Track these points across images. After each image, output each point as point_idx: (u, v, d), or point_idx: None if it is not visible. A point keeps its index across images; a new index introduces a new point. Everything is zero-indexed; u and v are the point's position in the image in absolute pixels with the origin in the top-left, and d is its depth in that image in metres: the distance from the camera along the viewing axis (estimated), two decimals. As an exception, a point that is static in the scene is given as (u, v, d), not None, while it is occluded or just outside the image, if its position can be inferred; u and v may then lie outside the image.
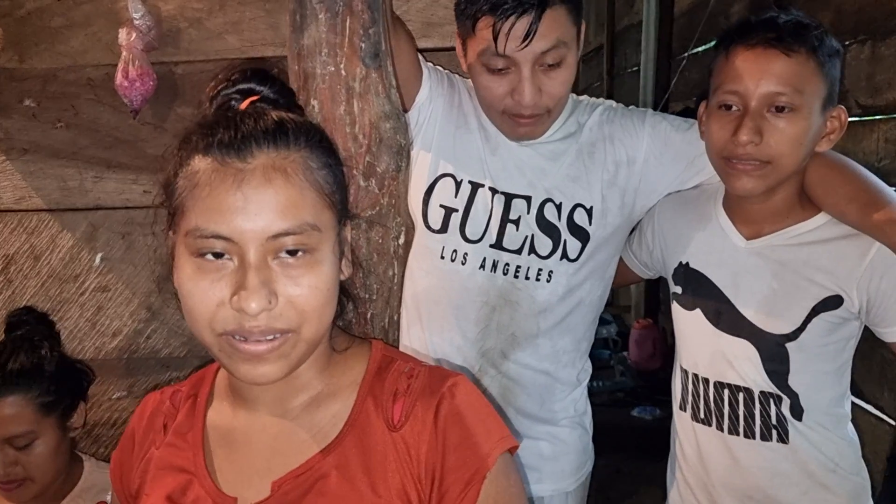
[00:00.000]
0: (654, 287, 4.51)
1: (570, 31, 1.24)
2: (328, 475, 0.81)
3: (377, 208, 0.99)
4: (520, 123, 1.29)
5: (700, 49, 3.95)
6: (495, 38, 1.18)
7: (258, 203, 0.75)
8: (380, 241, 1.00)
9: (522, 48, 1.18)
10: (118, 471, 0.94)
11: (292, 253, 0.77)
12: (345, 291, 0.91)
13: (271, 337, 0.77)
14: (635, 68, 5.02)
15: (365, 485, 0.80)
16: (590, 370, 1.53)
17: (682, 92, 4.20)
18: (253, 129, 0.77)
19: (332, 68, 0.95)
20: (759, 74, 1.17)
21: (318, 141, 0.82)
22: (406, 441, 0.82)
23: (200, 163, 0.77)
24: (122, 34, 1.58)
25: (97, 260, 1.77)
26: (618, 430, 3.69)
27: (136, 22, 1.58)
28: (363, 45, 0.95)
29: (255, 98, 0.84)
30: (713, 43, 1.40)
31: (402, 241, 1.01)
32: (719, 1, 3.73)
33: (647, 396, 4.02)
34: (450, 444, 0.81)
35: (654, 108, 4.33)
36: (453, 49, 1.65)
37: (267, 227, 0.75)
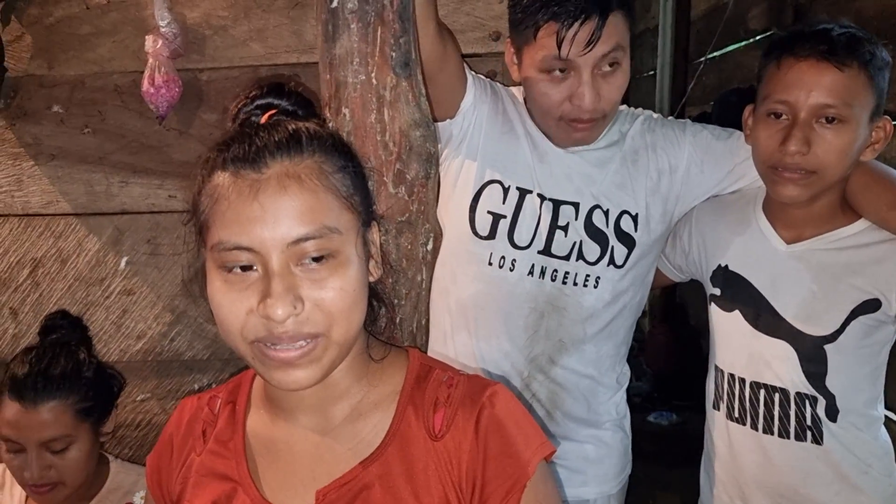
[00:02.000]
0: (672, 291, 4.50)
1: (626, 37, 1.28)
2: (372, 485, 0.82)
3: (406, 215, 1.00)
4: (577, 128, 1.30)
5: (717, 54, 3.95)
6: (559, 44, 1.20)
7: (275, 211, 0.76)
8: (409, 246, 1.02)
9: (585, 53, 1.21)
10: (156, 475, 0.95)
11: (316, 259, 0.78)
12: (376, 296, 0.92)
13: (302, 343, 0.78)
14: (651, 72, 5.01)
15: (408, 493, 0.82)
16: (628, 373, 1.55)
17: (698, 97, 4.19)
18: (266, 141, 0.79)
19: (364, 77, 0.96)
20: (810, 86, 1.18)
21: (332, 145, 0.83)
22: (448, 450, 0.83)
23: (219, 178, 0.79)
24: (149, 41, 1.61)
25: (122, 264, 1.80)
26: (634, 436, 3.67)
27: (163, 29, 1.61)
28: (394, 55, 0.97)
29: (273, 112, 0.86)
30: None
31: (430, 246, 1.03)
32: (737, 5, 3.72)
33: (664, 401, 4.00)
34: (491, 453, 0.82)
35: (671, 113, 4.34)
36: (475, 55, 1.68)
37: (286, 234, 0.76)
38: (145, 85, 1.62)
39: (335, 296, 0.78)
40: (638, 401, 4.11)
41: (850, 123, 1.19)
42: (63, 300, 1.80)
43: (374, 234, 0.89)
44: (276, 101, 0.88)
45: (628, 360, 4.67)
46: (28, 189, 1.78)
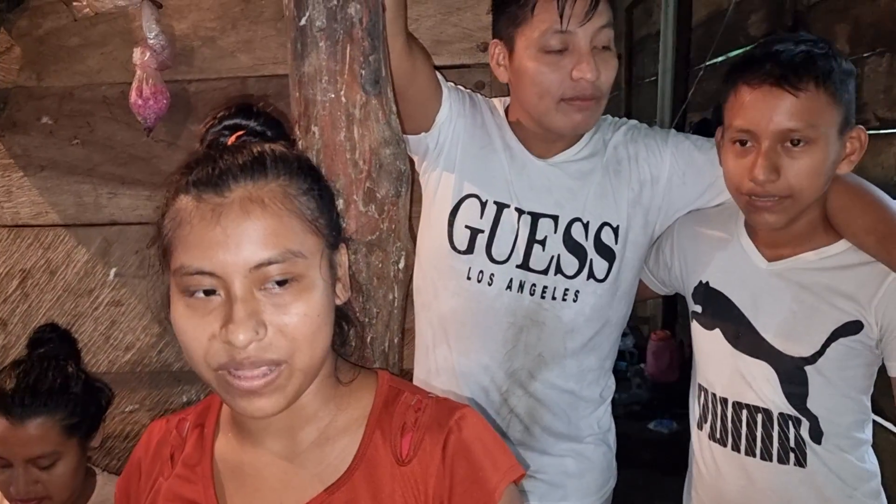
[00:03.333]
0: (672, 299, 4.48)
1: (613, 19, 1.29)
2: None
3: (377, 233, 0.99)
4: (578, 108, 1.28)
5: (718, 60, 3.93)
6: (561, 14, 1.21)
7: (237, 235, 0.75)
8: (380, 265, 1.01)
9: (585, 23, 1.22)
10: (125, 500, 0.94)
11: (280, 283, 0.77)
12: (345, 317, 0.91)
13: (264, 369, 0.77)
14: (653, 78, 5.00)
15: None
16: (613, 387, 1.53)
17: (699, 102, 4.18)
18: (230, 164, 0.78)
19: (333, 95, 0.95)
20: (769, 114, 1.16)
21: (298, 168, 0.82)
22: (414, 475, 0.82)
23: (182, 201, 0.78)
24: (137, 53, 1.61)
25: (111, 275, 1.80)
26: (634, 444, 3.66)
27: (150, 41, 1.61)
28: (363, 73, 0.96)
29: (241, 133, 0.85)
30: (731, 54, 1.40)
31: (402, 265, 1.02)
32: (737, 11, 3.71)
33: (664, 409, 3.98)
34: (457, 479, 0.81)
35: (672, 119, 4.33)
36: (463, 66, 1.68)
37: (249, 259, 0.75)
38: (133, 96, 1.62)
39: (299, 321, 0.77)
40: (638, 409, 4.10)
41: (817, 143, 1.15)
42: (52, 311, 1.81)
43: (342, 257, 0.88)
44: (243, 122, 0.87)
45: (629, 369, 4.63)
46: (17, 200, 1.78)
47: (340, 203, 0.96)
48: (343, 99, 0.96)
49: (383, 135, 0.99)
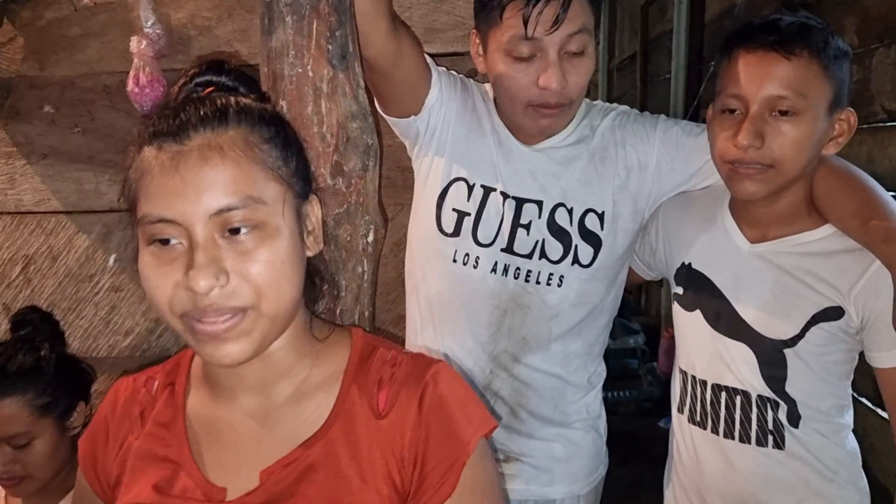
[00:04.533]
0: (683, 296, 4.45)
1: (591, 20, 1.26)
2: (316, 464, 0.82)
3: (345, 206, 1.01)
4: (544, 114, 1.29)
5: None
6: (525, 22, 1.20)
7: (196, 183, 0.75)
8: (348, 238, 1.02)
9: (551, 32, 1.21)
10: (90, 460, 0.94)
11: (241, 230, 0.77)
12: (318, 273, 0.91)
13: (228, 316, 0.77)
14: (668, 76, 4.97)
15: (353, 471, 0.82)
16: (603, 374, 1.53)
17: (711, 99, 4.14)
18: (191, 114, 0.79)
19: (300, 69, 0.97)
20: (760, 78, 1.15)
21: (260, 117, 0.82)
22: (391, 428, 0.83)
23: (145, 152, 0.79)
24: (134, 42, 1.65)
25: (111, 261, 1.84)
26: (644, 440, 3.64)
27: (147, 30, 1.64)
28: (330, 48, 0.97)
29: (212, 88, 0.86)
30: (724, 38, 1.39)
31: (371, 238, 1.03)
32: (749, 7, 3.68)
33: (675, 406, 3.95)
34: (433, 431, 0.82)
35: (685, 115, 4.30)
36: (455, 54, 1.69)
37: (208, 205, 0.75)
38: (130, 84, 1.65)
39: (262, 268, 0.77)
40: (649, 406, 4.07)
41: (805, 115, 1.15)
42: (54, 296, 1.85)
43: (314, 208, 0.88)
44: (214, 79, 0.87)
45: (640, 366, 4.60)
46: (20, 187, 1.82)
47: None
48: (310, 73, 0.97)
49: (350, 109, 1.00)
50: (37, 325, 1.52)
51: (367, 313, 1.04)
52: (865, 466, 1.31)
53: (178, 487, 0.84)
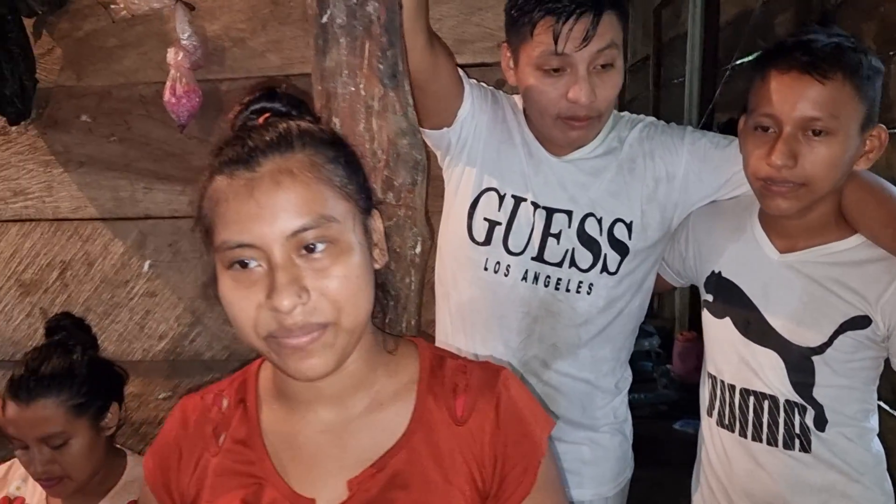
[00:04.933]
0: (699, 300, 4.47)
1: (620, 36, 1.30)
2: (402, 471, 0.85)
3: (394, 219, 1.04)
4: (574, 127, 1.32)
5: (745, 60, 3.93)
6: (556, 39, 1.23)
7: (271, 206, 0.78)
8: (397, 250, 1.06)
9: (581, 48, 1.24)
10: (162, 477, 0.95)
11: (317, 248, 0.80)
12: (383, 286, 0.94)
13: (314, 334, 0.80)
14: (681, 79, 4.98)
15: (437, 475, 0.85)
16: (630, 378, 1.56)
17: (726, 103, 4.16)
18: (258, 141, 0.82)
19: (353, 88, 1.01)
20: (794, 99, 1.17)
21: (322, 139, 0.86)
22: (471, 432, 0.87)
23: (217, 182, 0.82)
24: (171, 54, 1.69)
25: (146, 266, 1.88)
26: (659, 443, 3.65)
27: (184, 42, 1.68)
28: (381, 67, 1.01)
29: (267, 115, 0.89)
30: (757, 55, 1.41)
31: (418, 250, 1.07)
32: (764, 11, 3.70)
33: (690, 409, 3.97)
34: (511, 434, 0.87)
35: (699, 119, 4.32)
36: (484, 65, 1.72)
37: (284, 227, 0.78)
38: (167, 95, 1.70)
39: (340, 283, 0.80)
40: (664, 409, 4.09)
41: (837, 135, 1.17)
42: (90, 301, 1.89)
43: (376, 222, 0.91)
44: (268, 105, 0.90)
45: (655, 369, 4.61)
46: (58, 195, 1.87)
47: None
48: (362, 92, 1.01)
49: (400, 126, 1.03)
50: (70, 330, 1.57)
51: (413, 322, 1.08)
52: (889, 470, 1.34)
53: (266, 501, 0.86)
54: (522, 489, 0.86)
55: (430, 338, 1.72)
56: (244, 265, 0.80)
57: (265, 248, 0.79)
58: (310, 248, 0.80)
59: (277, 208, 0.79)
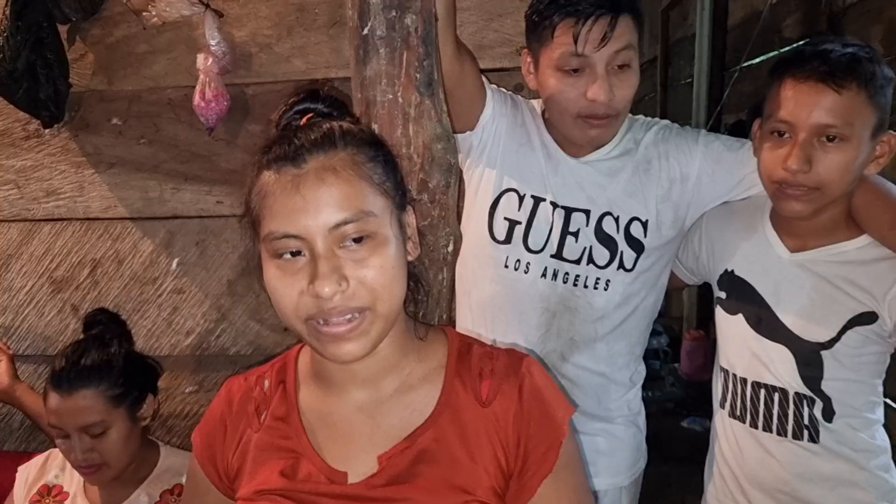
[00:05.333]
0: (707, 298, 4.51)
1: (636, 38, 1.36)
2: (429, 447, 0.92)
3: (429, 219, 1.10)
4: (593, 125, 1.38)
5: (753, 62, 3.97)
6: (575, 40, 1.30)
7: (315, 201, 0.85)
8: (430, 248, 1.12)
9: (600, 48, 1.30)
10: (208, 451, 1.03)
11: (356, 240, 0.87)
12: (415, 277, 1.01)
13: (349, 316, 0.87)
14: (689, 80, 5.03)
15: (463, 454, 0.91)
16: (643, 373, 1.62)
17: (734, 104, 4.21)
18: (303, 140, 0.89)
19: (391, 96, 1.07)
20: (810, 107, 1.23)
21: (363, 139, 0.92)
22: (496, 414, 0.93)
23: (265, 177, 0.89)
24: (200, 59, 1.74)
25: (174, 264, 1.93)
26: (667, 440, 3.70)
27: (213, 48, 1.74)
28: (418, 76, 1.07)
29: (310, 115, 0.95)
30: (765, 56, 1.46)
31: (450, 248, 1.12)
32: (772, 14, 3.75)
33: (698, 407, 4.02)
34: (534, 417, 0.93)
35: (707, 121, 4.36)
36: (503, 70, 1.78)
37: (327, 220, 0.85)
38: (196, 99, 1.75)
39: (377, 273, 0.87)
40: (671, 406, 4.14)
41: (851, 141, 1.23)
42: (119, 298, 1.95)
43: (410, 217, 0.98)
44: (312, 106, 0.97)
45: (663, 367, 4.65)
46: (89, 195, 1.92)
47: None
48: (400, 100, 1.07)
49: (435, 131, 1.09)
50: (106, 324, 1.64)
51: (444, 316, 1.14)
52: None
53: (302, 473, 0.94)
54: (545, 468, 0.92)
55: None
56: (290, 254, 0.86)
57: (309, 238, 0.85)
58: (351, 240, 0.86)
59: (321, 203, 0.85)
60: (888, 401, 2.23)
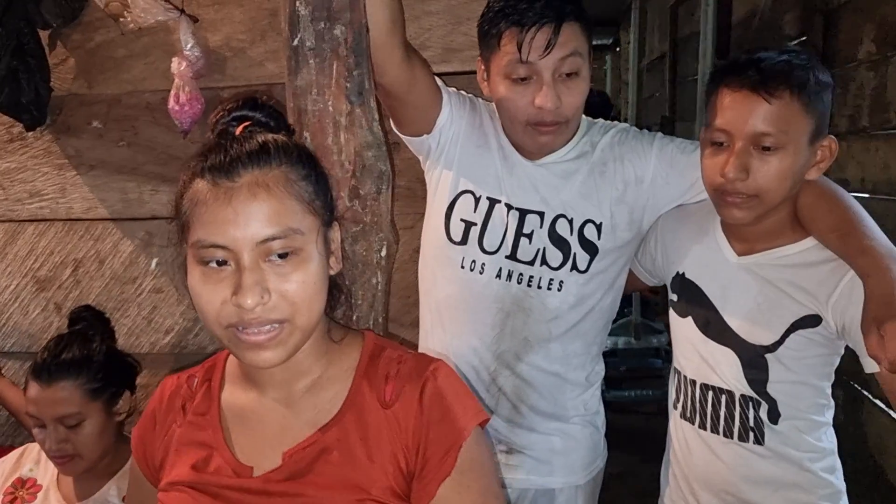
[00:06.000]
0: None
1: (584, 45, 1.37)
2: (331, 446, 0.95)
3: (361, 225, 1.13)
4: (542, 132, 1.40)
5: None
6: (519, 48, 1.32)
7: (246, 215, 0.88)
8: (364, 253, 1.14)
9: (544, 56, 1.32)
10: (141, 446, 1.09)
11: (281, 255, 0.90)
12: (336, 286, 1.04)
13: (268, 327, 0.90)
14: (696, 77, 5.00)
15: (362, 453, 0.94)
16: (601, 372, 1.63)
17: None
18: (239, 153, 0.91)
19: (322, 105, 1.09)
20: (744, 117, 1.24)
21: (297, 157, 0.95)
22: (397, 416, 0.95)
23: (199, 185, 0.91)
24: (175, 63, 1.78)
25: (153, 264, 1.98)
26: (665, 439, 3.71)
27: (187, 52, 1.77)
28: (348, 85, 1.09)
29: (247, 123, 0.98)
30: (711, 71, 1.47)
31: (384, 253, 1.15)
32: (773, 10, 3.73)
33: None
34: (433, 419, 0.95)
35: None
36: (472, 73, 1.79)
37: (255, 235, 0.88)
38: (171, 102, 1.79)
39: (298, 287, 0.90)
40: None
41: (787, 149, 1.23)
42: (100, 297, 2.00)
43: (336, 233, 1.01)
44: (249, 114, 1.00)
45: (664, 366, 4.62)
46: (71, 196, 1.97)
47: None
48: (331, 108, 1.09)
49: (366, 139, 1.12)
50: (90, 321, 1.69)
51: (380, 319, 1.16)
52: (879, 469, 1.40)
53: (212, 466, 0.98)
54: (444, 470, 0.93)
55: (395, 336, 1.80)
56: (218, 263, 0.89)
57: (236, 250, 0.88)
58: (275, 255, 0.90)
59: (251, 217, 0.88)
60: (878, 402, 2.24)
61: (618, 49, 8.97)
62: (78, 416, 1.53)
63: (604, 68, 10.14)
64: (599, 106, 5.86)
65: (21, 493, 1.61)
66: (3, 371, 1.94)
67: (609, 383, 4.37)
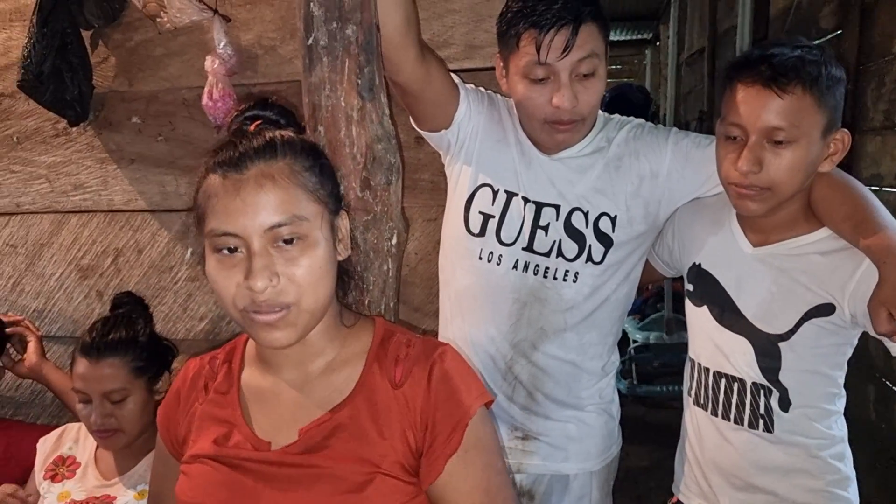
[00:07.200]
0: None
1: (601, 46, 1.40)
2: (343, 424, 1.01)
3: (372, 214, 1.19)
4: (559, 130, 1.43)
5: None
6: (538, 49, 1.35)
7: (254, 204, 0.94)
8: (375, 241, 1.20)
9: (563, 57, 1.35)
10: (165, 422, 1.16)
11: (288, 241, 0.96)
12: (346, 272, 1.11)
13: (278, 309, 0.96)
14: (733, 71, 4.95)
15: (373, 430, 1.00)
16: (617, 362, 1.66)
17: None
18: (247, 148, 0.98)
19: (334, 101, 1.15)
20: (758, 111, 1.26)
21: (302, 149, 1.01)
22: (406, 396, 1.01)
23: (212, 179, 0.99)
24: (208, 61, 1.85)
25: (188, 254, 2.06)
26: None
27: (220, 51, 1.85)
28: (360, 82, 1.15)
29: (259, 122, 1.05)
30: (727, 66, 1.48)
31: (394, 241, 1.20)
32: (811, 4, 3.68)
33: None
34: (440, 399, 1.00)
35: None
36: (492, 69, 1.83)
37: (263, 222, 0.94)
38: (205, 99, 1.86)
39: (305, 271, 0.96)
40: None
41: (800, 142, 1.25)
42: (139, 285, 2.09)
43: (343, 221, 1.07)
44: (261, 113, 1.07)
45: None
46: (112, 189, 2.07)
47: (342, 187, 1.15)
48: (343, 104, 1.15)
49: (377, 133, 1.17)
50: (132, 305, 1.79)
51: (391, 304, 1.22)
52: None
53: (232, 441, 1.05)
54: (451, 447, 0.99)
55: (418, 326, 1.86)
56: (229, 250, 0.96)
57: (246, 237, 0.95)
58: (283, 241, 0.96)
59: (259, 206, 0.95)
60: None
61: (658, 43, 8.89)
62: (123, 392, 1.62)
63: (644, 63, 10.05)
64: (640, 102, 5.84)
65: (62, 469, 1.71)
66: (47, 355, 2.04)
67: (641, 378, 4.37)
